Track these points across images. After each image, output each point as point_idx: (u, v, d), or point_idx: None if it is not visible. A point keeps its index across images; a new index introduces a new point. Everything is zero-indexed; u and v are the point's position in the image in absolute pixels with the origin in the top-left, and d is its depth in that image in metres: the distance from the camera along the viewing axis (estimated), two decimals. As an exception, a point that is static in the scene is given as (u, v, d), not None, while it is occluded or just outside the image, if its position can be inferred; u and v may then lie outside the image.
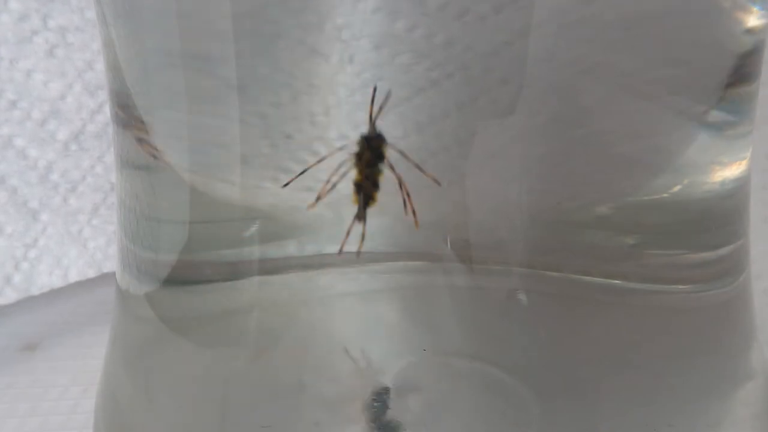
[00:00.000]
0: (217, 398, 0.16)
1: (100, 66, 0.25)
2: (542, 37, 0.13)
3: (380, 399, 0.15)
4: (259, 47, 0.14)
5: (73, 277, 0.27)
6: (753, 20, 0.15)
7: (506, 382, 0.15)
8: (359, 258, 0.15)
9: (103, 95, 0.26)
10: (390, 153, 0.14)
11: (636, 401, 0.15)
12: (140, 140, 0.16)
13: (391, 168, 0.14)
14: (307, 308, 0.16)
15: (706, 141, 0.15)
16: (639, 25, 0.14)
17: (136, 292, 0.17)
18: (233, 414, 0.15)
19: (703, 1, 0.14)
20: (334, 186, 0.14)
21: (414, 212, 0.14)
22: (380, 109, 0.13)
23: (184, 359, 0.16)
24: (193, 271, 0.16)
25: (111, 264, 0.28)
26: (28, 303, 0.27)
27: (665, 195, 0.15)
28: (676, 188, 0.15)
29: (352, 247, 0.15)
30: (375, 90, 0.13)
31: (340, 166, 0.14)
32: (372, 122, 0.14)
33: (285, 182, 0.14)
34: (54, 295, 0.27)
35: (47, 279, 0.27)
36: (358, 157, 0.14)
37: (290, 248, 0.15)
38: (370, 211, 0.14)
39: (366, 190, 0.14)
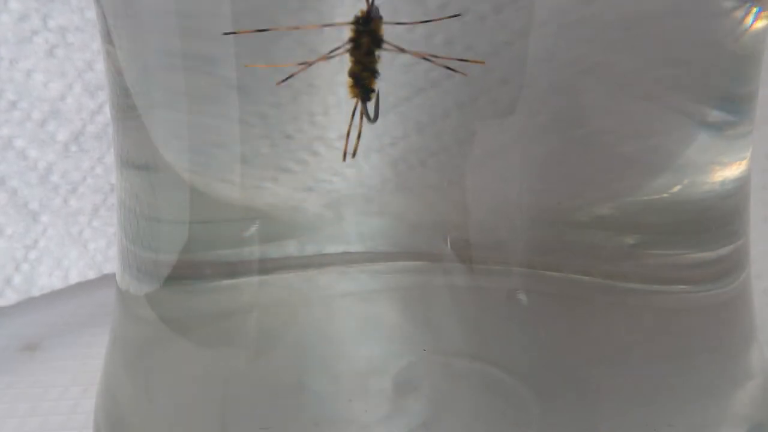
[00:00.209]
0: (217, 398, 0.16)
1: (100, 66, 0.25)
2: (542, 37, 0.13)
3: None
4: (259, 47, 0.14)
5: (74, 278, 0.27)
6: (753, 20, 0.15)
7: (506, 382, 0.15)
8: (354, 156, 0.13)
9: (103, 95, 0.26)
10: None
11: (636, 401, 0.15)
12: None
13: (401, 49, 0.12)
14: (307, 308, 0.16)
15: (706, 141, 0.15)
16: (639, 25, 0.14)
17: (136, 293, 0.17)
18: (233, 414, 0.15)
19: (703, 1, 0.14)
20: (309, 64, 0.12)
21: (447, 67, 0.12)
22: None
23: (184, 359, 0.16)
24: (193, 271, 0.16)
25: (111, 265, 0.28)
26: (28, 304, 0.27)
27: (665, 195, 0.15)
28: (676, 188, 0.15)
29: (352, 247, 0.15)
30: None
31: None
32: (370, 2, 0.12)
33: (284, 181, 0.14)
34: (54, 296, 0.27)
35: (47, 280, 0.27)
36: (355, 43, 0.12)
37: (290, 248, 0.15)
38: (371, 211, 0.14)
39: (365, 81, 0.13)
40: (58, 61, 0.25)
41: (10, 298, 0.26)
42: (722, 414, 0.16)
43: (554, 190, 0.15)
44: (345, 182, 0.15)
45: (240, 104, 0.14)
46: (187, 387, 0.16)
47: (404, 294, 0.16)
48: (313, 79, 0.14)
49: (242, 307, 0.16)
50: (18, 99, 0.25)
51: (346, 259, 0.15)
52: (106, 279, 0.28)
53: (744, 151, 0.16)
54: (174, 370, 0.17)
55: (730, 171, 0.16)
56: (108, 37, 0.16)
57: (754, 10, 0.15)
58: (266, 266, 0.15)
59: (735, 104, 0.15)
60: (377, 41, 0.12)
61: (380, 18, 0.12)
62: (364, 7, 0.12)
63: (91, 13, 0.25)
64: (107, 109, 0.26)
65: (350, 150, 0.13)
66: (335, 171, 0.15)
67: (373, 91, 0.13)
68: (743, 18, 0.15)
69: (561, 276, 0.15)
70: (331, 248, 0.16)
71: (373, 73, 0.13)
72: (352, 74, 0.13)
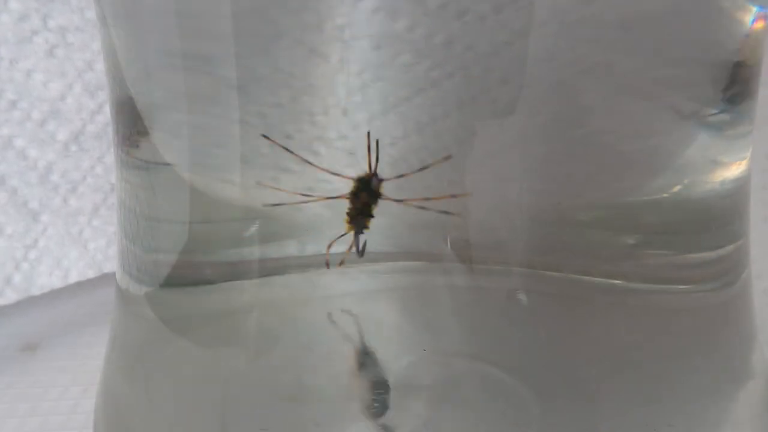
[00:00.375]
0: (217, 398, 0.16)
1: (100, 66, 0.25)
2: (542, 37, 0.13)
3: (380, 399, 0.15)
4: (259, 47, 0.14)
5: (74, 277, 0.27)
6: (753, 20, 0.15)
7: (506, 382, 0.15)
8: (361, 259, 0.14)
9: (103, 95, 0.26)
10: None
11: (636, 401, 0.15)
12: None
13: (397, 201, 0.14)
14: (307, 308, 0.16)
15: (706, 141, 0.15)
16: (639, 25, 0.14)
17: (136, 292, 0.17)
18: (233, 414, 0.15)
19: (703, 1, 0.14)
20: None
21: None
22: (377, 156, 0.13)
23: (184, 359, 0.16)
24: (193, 271, 0.16)
25: (111, 265, 0.28)
26: (28, 303, 0.27)
27: (665, 195, 0.15)
28: (676, 188, 0.15)
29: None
30: (369, 135, 0.13)
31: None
32: (372, 169, 0.13)
33: (284, 181, 0.14)
34: (54, 295, 0.27)
35: (47, 280, 0.27)
36: (354, 196, 0.14)
37: (290, 248, 0.15)
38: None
39: (359, 221, 0.14)
40: (58, 61, 0.25)
41: (10, 297, 0.26)
42: (722, 414, 0.16)
43: (554, 190, 0.15)
44: (345, 182, 0.15)
45: (240, 104, 0.14)
46: (187, 387, 0.16)
47: (404, 294, 0.16)
48: (313, 79, 0.14)
49: (242, 307, 0.16)
50: (18, 99, 0.25)
51: (346, 259, 0.15)
52: (106, 278, 0.28)
53: (744, 151, 0.16)
54: (174, 370, 0.17)
55: (730, 171, 0.16)
56: (108, 37, 0.16)
57: (754, 10, 0.15)
58: (266, 266, 0.15)
59: (735, 104, 0.15)
60: (375, 197, 0.14)
61: (380, 181, 0.14)
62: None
63: (91, 13, 0.25)
64: (107, 109, 0.26)
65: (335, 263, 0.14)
66: (335, 171, 0.14)
67: (366, 228, 0.14)
68: (743, 18, 0.15)
69: (561, 276, 0.15)
70: (331, 248, 0.16)
71: (368, 217, 0.14)
72: (349, 215, 0.14)
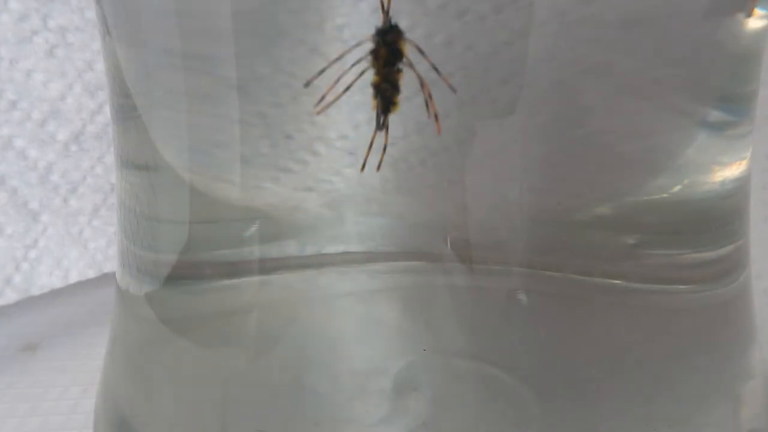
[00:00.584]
0: (217, 398, 0.16)
1: (100, 66, 0.25)
2: (542, 37, 0.13)
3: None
4: (259, 47, 0.14)
5: (74, 277, 0.27)
6: (753, 20, 0.15)
7: (506, 382, 0.15)
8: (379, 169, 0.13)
9: (103, 95, 0.26)
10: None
11: (636, 401, 0.15)
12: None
13: (411, 66, 0.13)
14: (307, 308, 0.16)
15: (706, 141, 0.15)
16: (639, 25, 0.14)
17: (136, 292, 0.17)
18: (233, 414, 0.15)
19: (703, 1, 0.14)
20: (348, 88, 0.13)
21: (436, 116, 0.13)
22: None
23: (184, 359, 0.16)
24: (193, 271, 0.16)
25: (111, 265, 0.28)
26: (28, 303, 0.27)
27: (665, 195, 0.15)
28: (676, 188, 0.15)
29: (352, 247, 0.15)
30: None
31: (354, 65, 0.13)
32: (385, 12, 0.12)
33: (284, 181, 0.14)
34: (54, 295, 0.27)
35: (47, 279, 0.27)
36: (374, 54, 0.13)
37: (290, 248, 0.15)
38: (371, 211, 0.14)
39: (385, 93, 0.13)
40: (58, 61, 0.25)
41: (10, 297, 0.26)
42: (722, 414, 0.16)
43: (554, 190, 0.15)
44: (345, 182, 0.15)
45: (240, 104, 0.14)
46: (187, 387, 0.16)
47: (404, 294, 0.16)
48: (314, 79, 0.14)
49: (242, 307, 0.16)
50: (18, 99, 0.25)
51: (346, 259, 0.15)
52: (106, 278, 0.28)
53: (744, 151, 0.16)
54: (174, 370, 0.17)
55: (730, 171, 0.16)
56: (108, 37, 0.16)
57: (754, 10, 0.15)
58: (266, 266, 0.15)
59: (735, 104, 0.15)
60: (395, 53, 0.13)
61: (399, 32, 0.13)
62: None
63: (91, 13, 0.25)
64: (107, 109, 0.26)
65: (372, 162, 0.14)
66: (335, 171, 0.15)
67: (394, 104, 0.13)
68: (743, 18, 0.15)
69: (561, 276, 0.15)
70: (331, 248, 0.16)
71: (394, 86, 0.13)
72: (374, 85, 0.13)
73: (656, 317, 0.16)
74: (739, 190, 0.16)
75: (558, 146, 0.14)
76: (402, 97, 0.13)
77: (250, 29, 0.14)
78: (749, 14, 0.14)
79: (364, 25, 0.13)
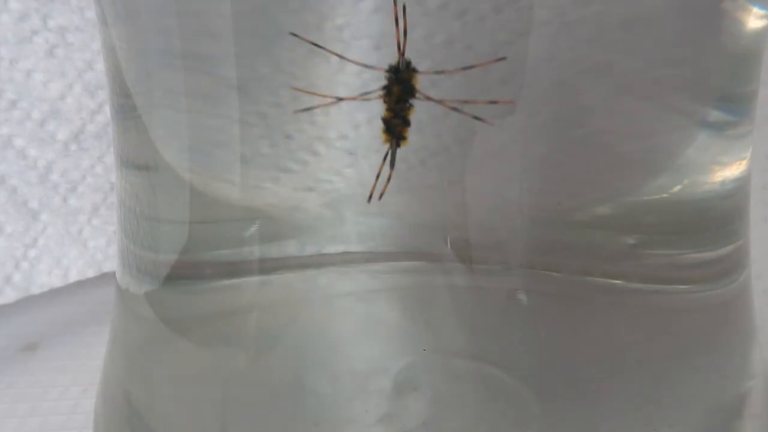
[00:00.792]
0: (217, 398, 0.16)
1: (100, 66, 0.25)
2: (542, 37, 0.13)
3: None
4: (259, 47, 0.14)
5: (73, 276, 0.27)
6: (753, 20, 0.15)
7: (506, 382, 0.15)
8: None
9: (103, 95, 0.26)
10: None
11: (636, 401, 0.15)
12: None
13: (428, 98, 0.13)
14: (307, 308, 0.16)
15: (706, 141, 0.15)
16: (639, 25, 0.14)
17: (136, 292, 0.17)
18: (233, 414, 0.15)
19: (704, 1, 0.14)
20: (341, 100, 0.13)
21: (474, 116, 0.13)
22: (405, 33, 0.12)
23: (184, 359, 0.16)
24: (193, 271, 0.16)
25: (111, 264, 0.28)
26: (28, 303, 0.27)
27: (665, 195, 0.15)
28: (676, 188, 0.15)
29: (352, 247, 0.15)
30: (398, 6, 0.12)
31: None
32: (401, 51, 0.12)
33: (284, 181, 0.14)
34: (54, 294, 0.27)
35: (47, 279, 0.27)
36: (387, 90, 0.13)
37: (290, 248, 0.15)
38: (372, 211, 0.14)
39: (395, 128, 0.13)
40: (58, 61, 0.25)
41: (10, 296, 0.26)
42: (722, 414, 0.16)
43: (554, 190, 0.15)
44: (345, 182, 0.15)
45: (240, 104, 0.14)
46: (187, 387, 0.16)
47: (404, 294, 0.16)
48: (314, 80, 0.14)
49: (242, 307, 0.16)
50: (18, 99, 0.25)
51: (346, 259, 0.15)
52: (105, 277, 0.28)
53: (744, 151, 0.16)
54: (174, 370, 0.17)
55: (730, 171, 0.16)
56: (108, 37, 0.16)
57: (754, 10, 0.15)
58: (266, 266, 0.15)
59: (735, 104, 0.15)
60: (409, 90, 0.13)
61: (413, 70, 0.13)
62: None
63: (91, 13, 0.25)
64: (107, 109, 0.26)
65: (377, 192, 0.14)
66: (335, 171, 0.14)
67: (404, 138, 0.13)
68: (743, 18, 0.15)
69: (561, 276, 0.15)
70: (331, 248, 0.15)
71: (404, 121, 0.13)
72: (384, 120, 0.13)
73: (656, 317, 0.16)
74: (739, 190, 0.16)
75: (558, 146, 0.14)
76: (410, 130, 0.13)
77: (250, 29, 0.14)
78: None
79: (363, 25, 0.13)
